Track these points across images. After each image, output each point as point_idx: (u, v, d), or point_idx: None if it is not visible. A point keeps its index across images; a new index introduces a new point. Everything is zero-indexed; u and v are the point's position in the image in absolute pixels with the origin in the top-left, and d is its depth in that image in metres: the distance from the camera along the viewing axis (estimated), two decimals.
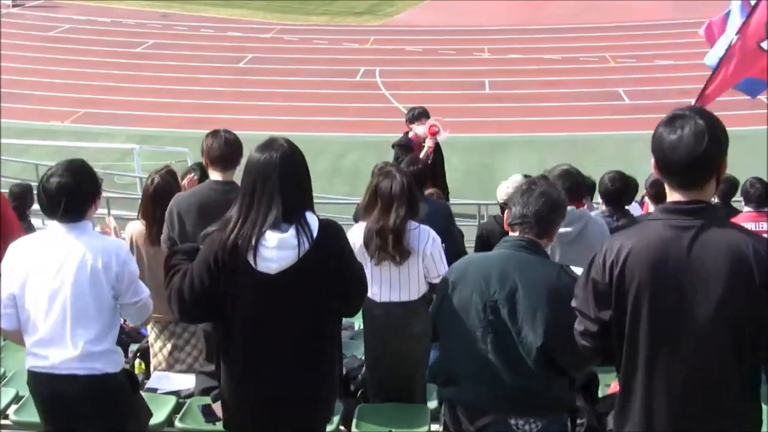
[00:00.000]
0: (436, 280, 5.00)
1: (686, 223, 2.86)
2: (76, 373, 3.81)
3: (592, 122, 19.18)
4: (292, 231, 3.43)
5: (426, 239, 4.96)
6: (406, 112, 9.80)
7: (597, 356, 3.15)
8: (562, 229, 5.19)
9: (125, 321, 6.86)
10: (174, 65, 24.96)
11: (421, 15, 31.40)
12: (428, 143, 8.86)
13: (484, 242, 6.13)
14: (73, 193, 3.82)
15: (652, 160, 2.97)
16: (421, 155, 8.65)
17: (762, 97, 19.79)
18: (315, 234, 3.46)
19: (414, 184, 5.23)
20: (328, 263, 3.52)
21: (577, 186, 5.47)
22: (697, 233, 2.84)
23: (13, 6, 32.33)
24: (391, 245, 4.88)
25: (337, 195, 14.41)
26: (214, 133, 5.21)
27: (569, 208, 5.35)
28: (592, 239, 5.32)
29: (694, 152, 2.83)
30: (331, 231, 3.56)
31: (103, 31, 28.42)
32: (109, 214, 11.68)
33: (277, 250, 3.42)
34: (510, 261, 3.55)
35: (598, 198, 6.72)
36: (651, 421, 2.94)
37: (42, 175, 3.93)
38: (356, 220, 5.62)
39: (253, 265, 3.44)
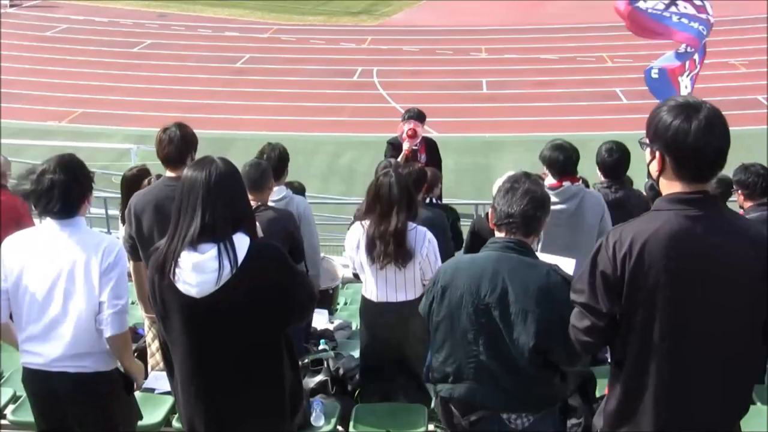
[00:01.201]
0: None
1: (696, 213, 2.82)
2: (66, 371, 3.80)
3: (590, 122, 19.18)
4: (212, 252, 3.23)
5: (423, 241, 4.98)
6: (403, 111, 9.78)
7: (596, 351, 3.11)
8: (557, 207, 5.20)
9: None
10: (171, 65, 24.95)
11: (418, 15, 31.41)
12: (405, 146, 8.82)
13: (474, 238, 6.12)
14: (65, 190, 3.79)
15: (658, 155, 2.87)
16: (399, 158, 8.65)
17: (762, 98, 19.93)
18: (240, 258, 3.24)
19: (412, 186, 5.25)
20: (260, 291, 3.30)
21: (570, 161, 5.45)
22: (711, 223, 2.81)
23: (11, 6, 32.31)
24: (394, 249, 4.90)
25: (333, 195, 14.43)
26: (163, 131, 5.12)
27: (565, 184, 5.37)
28: (589, 214, 5.33)
29: (723, 141, 2.80)
30: (266, 257, 3.34)
31: (101, 31, 28.42)
32: (106, 213, 11.68)
33: (194, 273, 3.25)
34: (499, 263, 3.55)
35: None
36: (667, 418, 2.88)
37: (33, 171, 3.87)
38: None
39: (176, 286, 3.30)
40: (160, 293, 3.37)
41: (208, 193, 3.29)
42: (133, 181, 6.05)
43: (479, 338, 3.53)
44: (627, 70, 23.23)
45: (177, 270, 3.27)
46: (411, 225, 4.98)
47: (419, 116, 9.12)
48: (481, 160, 16.96)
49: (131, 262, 5.75)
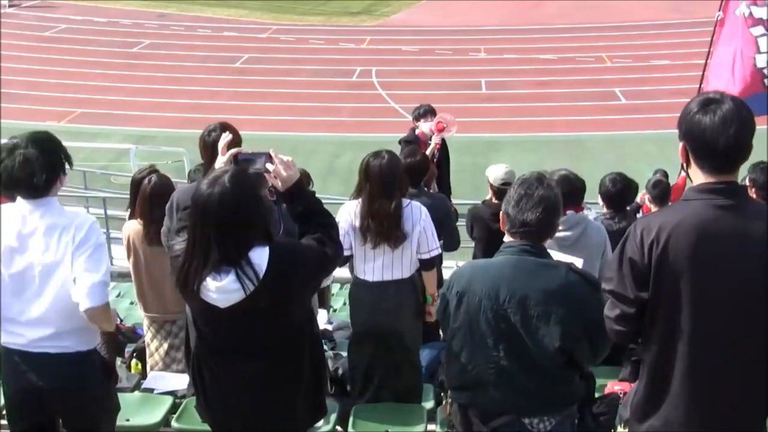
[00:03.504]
0: (426, 256, 5.04)
1: (725, 202, 2.85)
2: (47, 351, 3.71)
3: (589, 122, 19.21)
4: (231, 276, 3.25)
5: (419, 215, 5.00)
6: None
7: (629, 341, 3.11)
8: (561, 234, 5.21)
9: (121, 321, 6.91)
10: (170, 65, 24.96)
11: (417, 15, 31.44)
12: (435, 140, 8.79)
13: (476, 223, 6.09)
14: (38, 167, 3.62)
15: (681, 146, 2.94)
16: (428, 152, 8.62)
17: None
18: (262, 272, 3.25)
19: (401, 165, 5.24)
20: (285, 287, 3.34)
21: (575, 191, 5.49)
22: (740, 213, 2.84)
23: (10, 6, 32.32)
24: (390, 232, 4.92)
25: (332, 195, 14.42)
26: (204, 136, 4.94)
27: (568, 212, 5.37)
28: (591, 243, 5.33)
29: (738, 134, 2.83)
30: (284, 258, 3.33)
31: (100, 31, 28.44)
32: (105, 213, 11.68)
33: (217, 294, 3.29)
34: (516, 267, 3.52)
35: (597, 200, 6.70)
36: (695, 408, 2.88)
37: (2, 146, 3.69)
38: None
39: (202, 299, 3.34)
40: (186, 299, 3.46)
41: (221, 223, 3.25)
42: (140, 182, 6.12)
43: (499, 343, 3.49)
44: (626, 70, 23.29)
45: (202, 288, 3.30)
46: (404, 201, 4.99)
47: (433, 111, 9.14)
48: (481, 160, 16.92)
49: (132, 258, 5.76)
